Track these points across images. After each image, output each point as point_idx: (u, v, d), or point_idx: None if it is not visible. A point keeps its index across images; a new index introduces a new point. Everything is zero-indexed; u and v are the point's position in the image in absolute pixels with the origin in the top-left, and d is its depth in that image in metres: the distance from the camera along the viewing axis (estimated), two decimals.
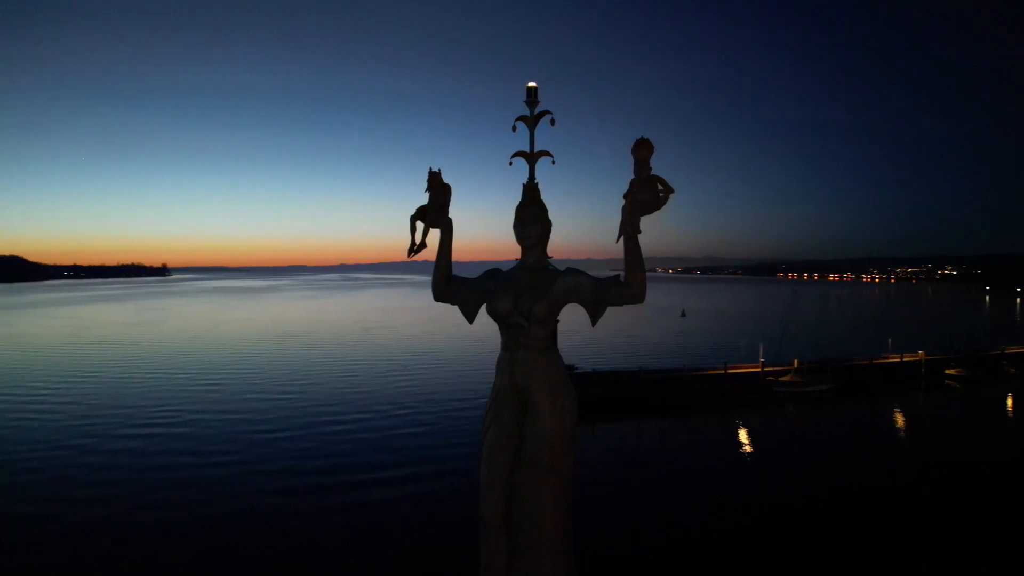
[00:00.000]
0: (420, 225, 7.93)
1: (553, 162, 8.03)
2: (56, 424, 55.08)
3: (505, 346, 7.71)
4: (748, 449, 50.08)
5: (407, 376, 76.36)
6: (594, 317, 7.47)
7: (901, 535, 33.08)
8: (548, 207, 7.88)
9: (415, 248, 7.93)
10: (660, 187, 6.90)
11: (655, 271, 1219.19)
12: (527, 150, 7.95)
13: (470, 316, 8.03)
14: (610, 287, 7.25)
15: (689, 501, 38.30)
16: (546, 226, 7.81)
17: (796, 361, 72.61)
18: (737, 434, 53.97)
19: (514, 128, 7.97)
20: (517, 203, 7.87)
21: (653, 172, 6.94)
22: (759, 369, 72.24)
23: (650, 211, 6.95)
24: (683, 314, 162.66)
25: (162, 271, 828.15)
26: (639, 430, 56.78)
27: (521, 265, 7.78)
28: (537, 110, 7.97)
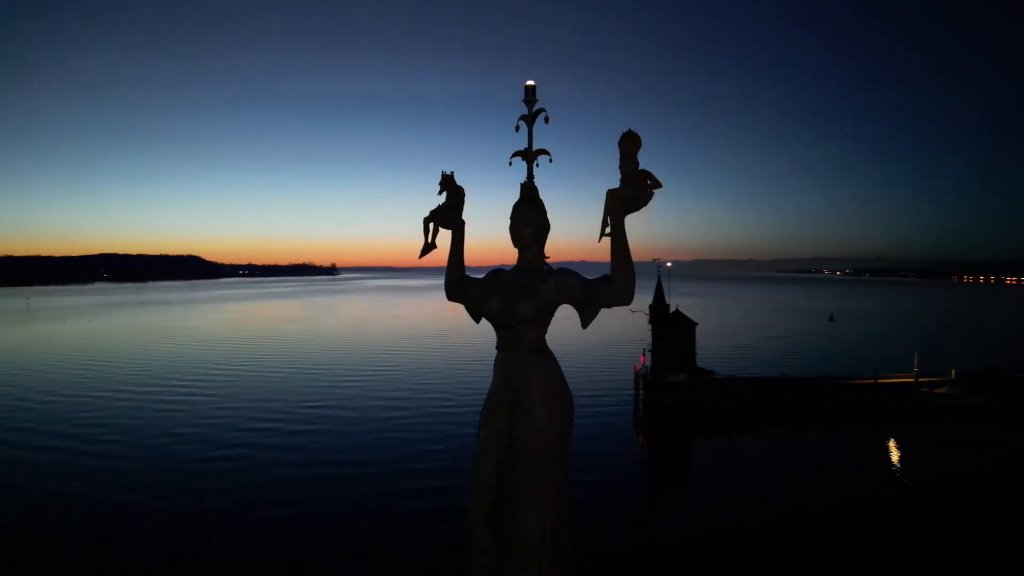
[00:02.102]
0: (432, 226, 8.11)
1: (550, 160, 7.97)
2: (194, 413, 58.17)
3: (498, 346, 7.70)
4: (897, 465, 47.48)
5: None
6: (584, 319, 7.30)
7: None
8: (548, 206, 7.82)
9: (426, 249, 8.12)
10: (649, 182, 6.71)
11: (823, 273, 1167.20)
12: (527, 149, 7.94)
13: (475, 316, 8.08)
14: (599, 287, 7.11)
15: (831, 517, 36.41)
16: (541, 226, 7.69)
17: (953, 372, 68.36)
18: (886, 448, 51.18)
19: (516, 128, 7.94)
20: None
21: (642, 167, 6.74)
22: (912, 380, 67.81)
23: (635, 209, 6.78)
24: (831, 318, 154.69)
25: (331, 270, 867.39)
26: (779, 440, 54.28)
27: (517, 265, 7.77)
28: (536, 108, 7.92)
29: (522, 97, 7.92)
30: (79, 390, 70.12)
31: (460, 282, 8.20)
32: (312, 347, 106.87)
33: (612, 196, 6.75)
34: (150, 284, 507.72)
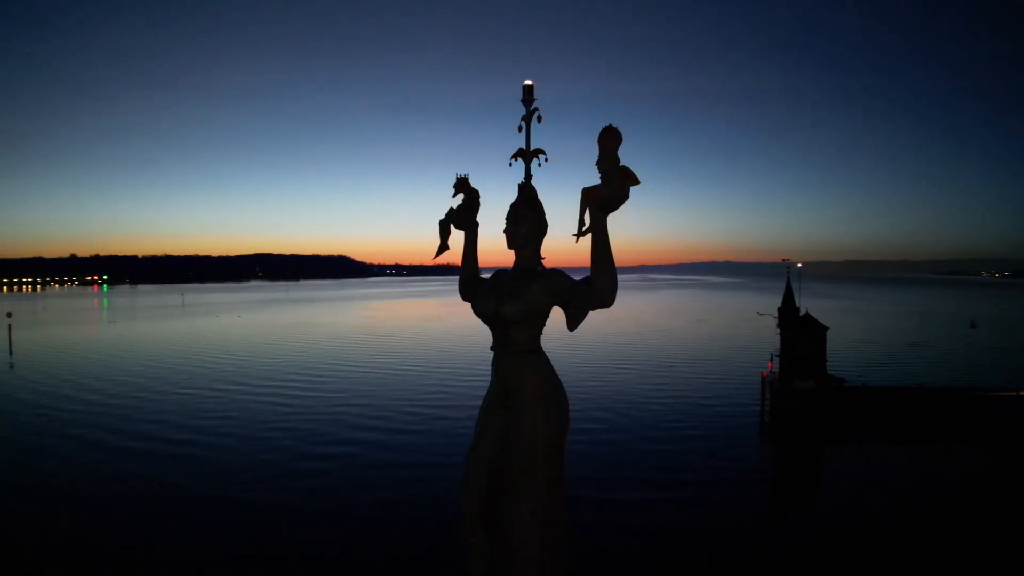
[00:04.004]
0: (446, 227, 8.36)
1: (547, 159, 7.95)
2: (315, 409, 59.35)
3: (493, 347, 7.82)
4: None
5: (670, 378, 74.99)
6: (570, 321, 7.24)
7: None
8: (549, 207, 7.88)
9: (440, 250, 8.32)
10: (628, 180, 6.58)
11: (980, 275, 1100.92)
12: (522, 149, 7.97)
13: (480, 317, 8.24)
14: (581, 289, 7.02)
15: (969, 542, 33.63)
16: (536, 227, 7.72)
17: None
18: None
19: (520, 128, 7.98)
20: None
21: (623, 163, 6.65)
22: None
23: (614, 208, 6.67)
24: (973, 324, 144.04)
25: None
26: (912, 455, 50.79)
27: (514, 266, 7.84)
28: (533, 107, 7.92)
29: (520, 97, 7.91)
30: (215, 382, 73.48)
31: (470, 283, 8.37)
32: (443, 345, 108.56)
33: (588, 194, 6.68)
34: (301, 283, 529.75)
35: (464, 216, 8.34)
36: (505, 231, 7.72)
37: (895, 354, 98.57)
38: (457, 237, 8.50)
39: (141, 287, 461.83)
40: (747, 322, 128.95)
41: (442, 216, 8.37)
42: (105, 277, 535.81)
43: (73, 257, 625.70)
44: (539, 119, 7.88)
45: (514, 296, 7.38)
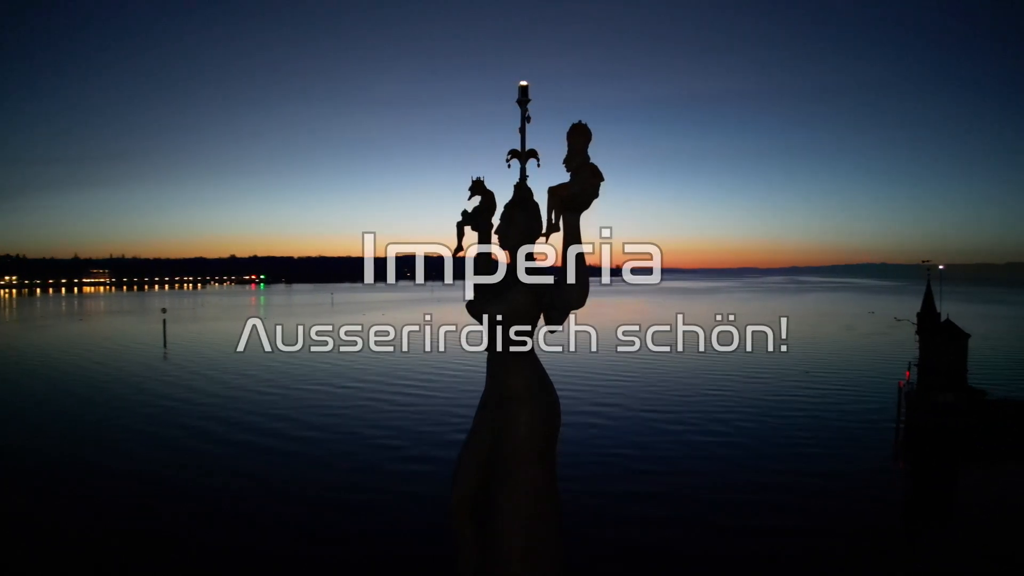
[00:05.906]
0: (460, 229, 8.82)
1: (539, 164, 8.01)
2: (418, 409, 59.45)
3: (485, 346, 8.00)
4: None
5: (800, 386, 72.48)
6: (548, 322, 7.31)
7: None
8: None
9: (456, 250, 8.94)
10: (595, 178, 6.59)
11: None
12: (516, 150, 8.05)
13: None
14: (556, 290, 7.05)
15: None
16: (528, 228, 7.80)
17: None
18: None
19: (520, 129, 8.08)
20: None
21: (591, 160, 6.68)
22: None
23: (584, 207, 6.68)
24: None
25: (616, 271, 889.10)
26: None
27: (507, 267, 8.00)
28: (528, 107, 8.05)
29: (516, 97, 8.00)
30: (341, 378, 76.10)
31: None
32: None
33: (555, 193, 6.69)
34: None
35: (479, 218, 8.56)
36: (496, 231, 7.82)
37: None
38: (472, 239, 8.69)
39: (296, 286, 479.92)
40: (892, 328, 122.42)
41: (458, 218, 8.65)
42: (262, 276, 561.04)
43: (232, 258, 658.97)
44: (528, 119, 7.94)
45: (499, 296, 7.48)
